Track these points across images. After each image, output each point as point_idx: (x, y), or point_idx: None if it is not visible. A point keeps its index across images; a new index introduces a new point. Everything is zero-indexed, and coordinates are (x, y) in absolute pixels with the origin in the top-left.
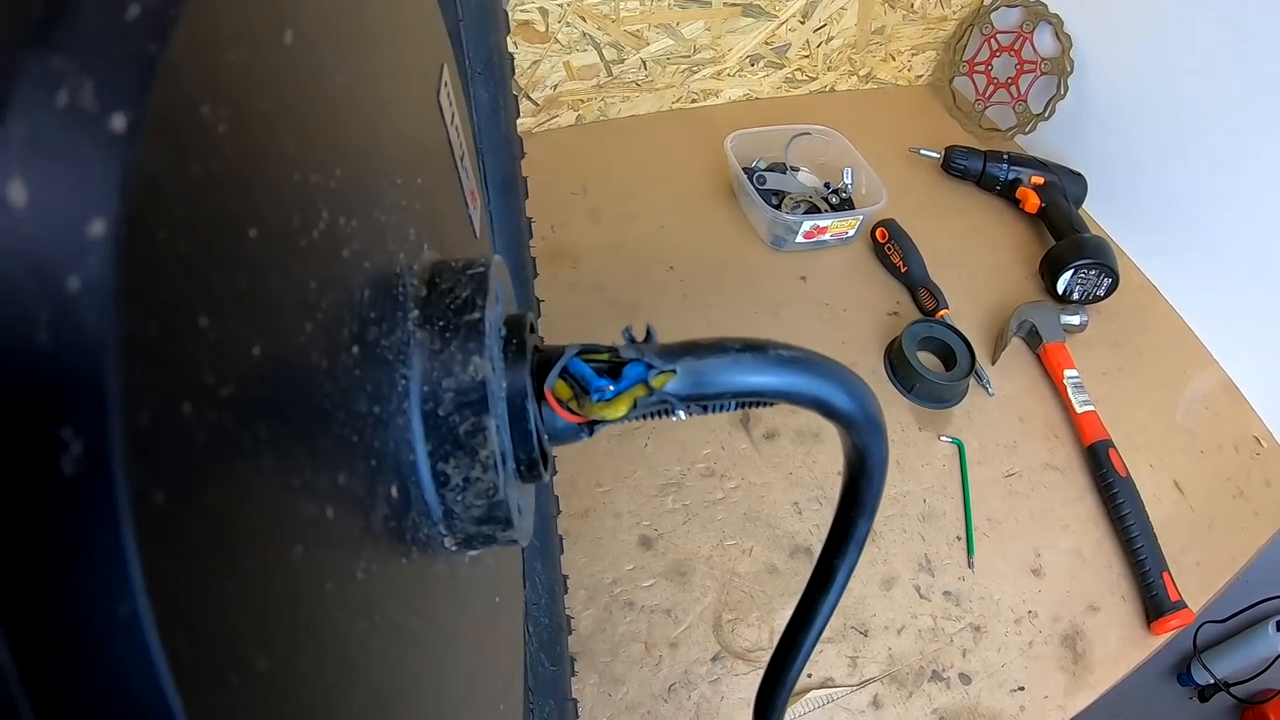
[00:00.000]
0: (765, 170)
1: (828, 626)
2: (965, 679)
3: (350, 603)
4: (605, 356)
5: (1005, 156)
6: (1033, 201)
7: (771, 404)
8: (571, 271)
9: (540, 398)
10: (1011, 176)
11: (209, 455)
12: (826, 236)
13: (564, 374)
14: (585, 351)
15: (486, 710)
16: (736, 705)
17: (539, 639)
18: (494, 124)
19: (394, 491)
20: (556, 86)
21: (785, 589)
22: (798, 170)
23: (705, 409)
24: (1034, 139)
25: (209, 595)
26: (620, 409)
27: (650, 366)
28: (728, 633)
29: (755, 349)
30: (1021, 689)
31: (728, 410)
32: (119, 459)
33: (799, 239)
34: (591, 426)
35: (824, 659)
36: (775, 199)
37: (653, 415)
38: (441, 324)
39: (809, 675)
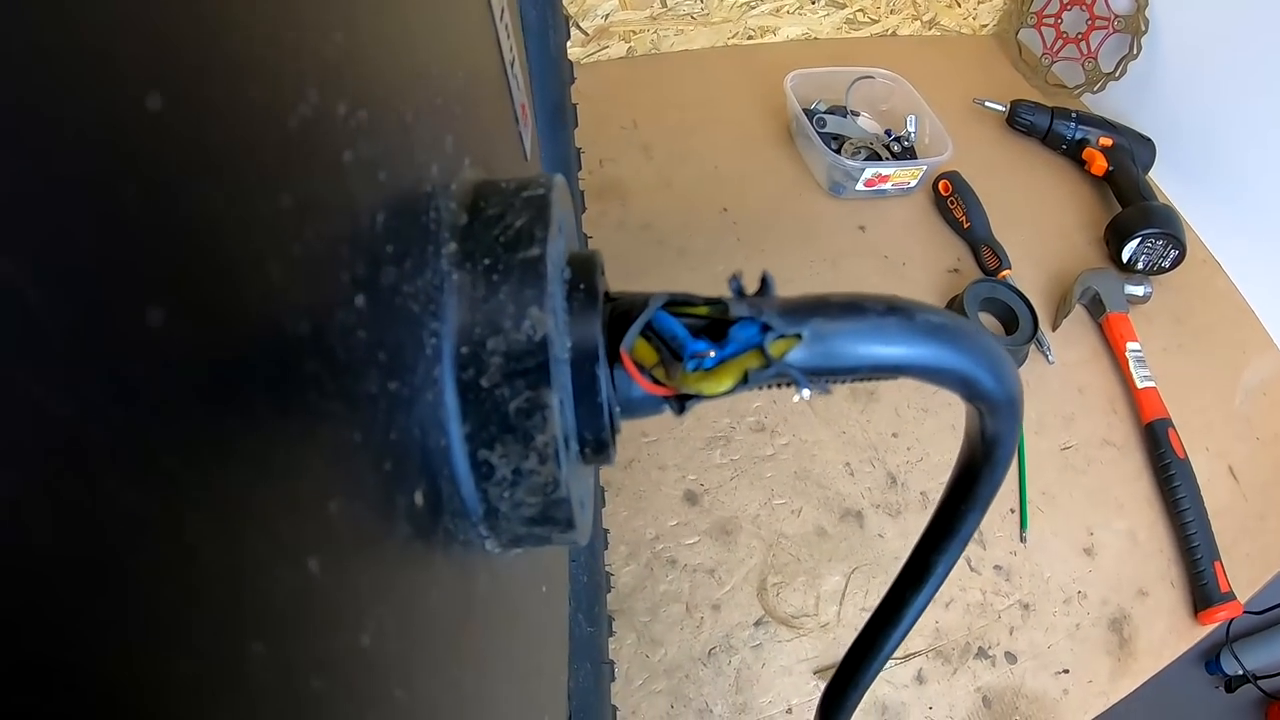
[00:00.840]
0: (825, 113)
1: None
2: (1011, 658)
3: (355, 691)
4: (704, 310)
5: (1073, 115)
6: (1100, 164)
7: (906, 378)
8: (620, 209)
9: (614, 361)
10: (1079, 136)
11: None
12: (887, 186)
13: (647, 332)
14: (675, 303)
15: (526, 709)
16: (778, 673)
17: (577, 599)
18: (543, 46)
19: (419, 499)
20: (608, 16)
21: (834, 553)
22: (859, 115)
23: (830, 384)
24: (1102, 99)
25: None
26: (725, 381)
27: (767, 328)
28: (772, 596)
29: (901, 312)
30: (1066, 672)
31: (844, 382)
32: None
33: (859, 186)
34: (683, 402)
35: None
36: (835, 144)
37: (760, 389)
38: (487, 262)
39: None
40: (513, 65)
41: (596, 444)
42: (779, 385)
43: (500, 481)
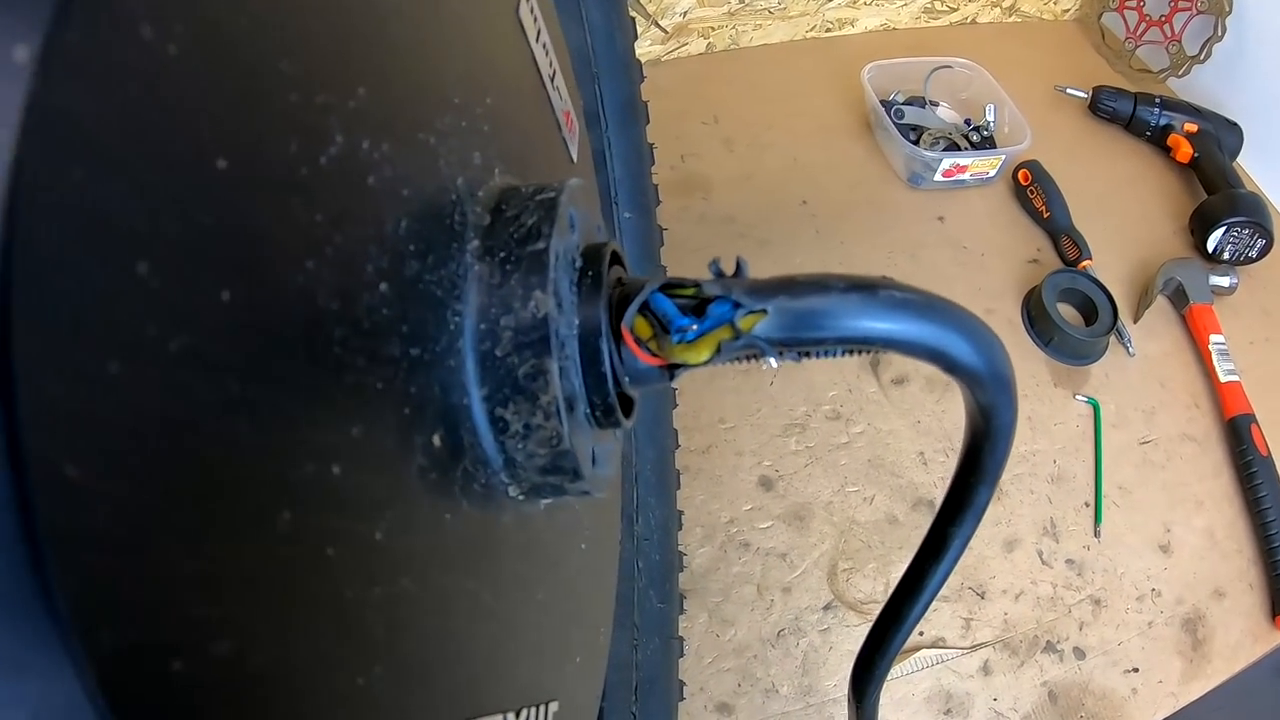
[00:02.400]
0: (903, 104)
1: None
2: (1080, 653)
3: (364, 569)
4: (691, 292)
5: (1157, 100)
6: (1185, 150)
7: (883, 352)
8: (702, 203)
9: (618, 336)
10: (1163, 122)
11: (147, 420)
12: (966, 176)
13: (645, 310)
14: (670, 286)
15: (556, 664)
16: (845, 657)
17: (649, 575)
18: (610, 46)
19: (436, 440)
20: (686, 13)
21: (905, 541)
22: (937, 105)
23: (803, 355)
24: (1187, 83)
25: (134, 577)
26: (703, 353)
27: (738, 305)
28: (842, 582)
29: (863, 288)
30: (1136, 670)
31: (832, 356)
32: (23, 427)
33: (937, 177)
34: (671, 370)
35: (937, 618)
36: (913, 134)
37: (740, 360)
38: (502, 255)
39: (920, 633)
40: (553, 79)
41: (604, 408)
42: (754, 356)
43: (514, 435)
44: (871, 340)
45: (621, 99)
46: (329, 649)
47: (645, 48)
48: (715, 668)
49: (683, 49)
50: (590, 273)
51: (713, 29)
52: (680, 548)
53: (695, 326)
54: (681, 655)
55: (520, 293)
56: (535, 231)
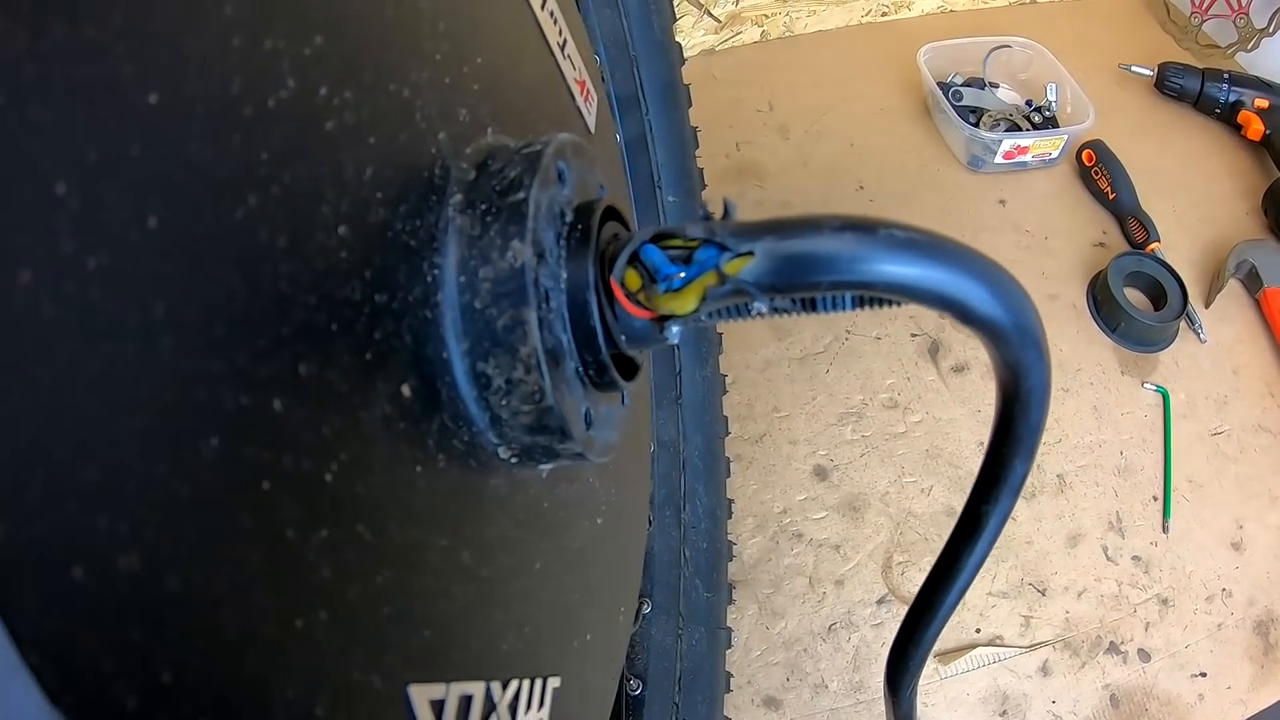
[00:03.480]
0: (962, 86)
1: (1004, 579)
2: (1144, 655)
3: (308, 509)
4: (682, 242)
5: (1226, 76)
6: (1256, 128)
7: (894, 303)
8: (757, 190)
9: (609, 292)
10: (1233, 98)
11: (59, 336)
12: (1028, 157)
13: (635, 262)
14: (661, 237)
15: (558, 639)
16: None
17: (695, 564)
18: (647, 29)
19: (406, 391)
20: (739, 2)
21: None
22: (997, 86)
23: (802, 305)
24: (1257, 57)
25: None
26: (689, 301)
27: (723, 248)
28: (897, 575)
29: (859, 228)
30: (1203, 675)
31: (841, 309)
32: None
33: (998, 159)
34: (662, 323)
35: (995, 614)
36: (972, 116)
37: (737, 313)
38: (484, 208)
39: (977, 630)
40: (564, 47)
41: (597, 366)
42: (744, 304)
43: (497, 391)
44: (872, 284)
45: (661, 82)
46: (261, 585)
47: (699, 37)
48: (764, 660)
49: (736, 38)
50: (580, 227)
51: (766, 16)
52: (731, 537)
53: (682, 274)
54: (729, 646)
55: (499, 243)
56: (517, 183)
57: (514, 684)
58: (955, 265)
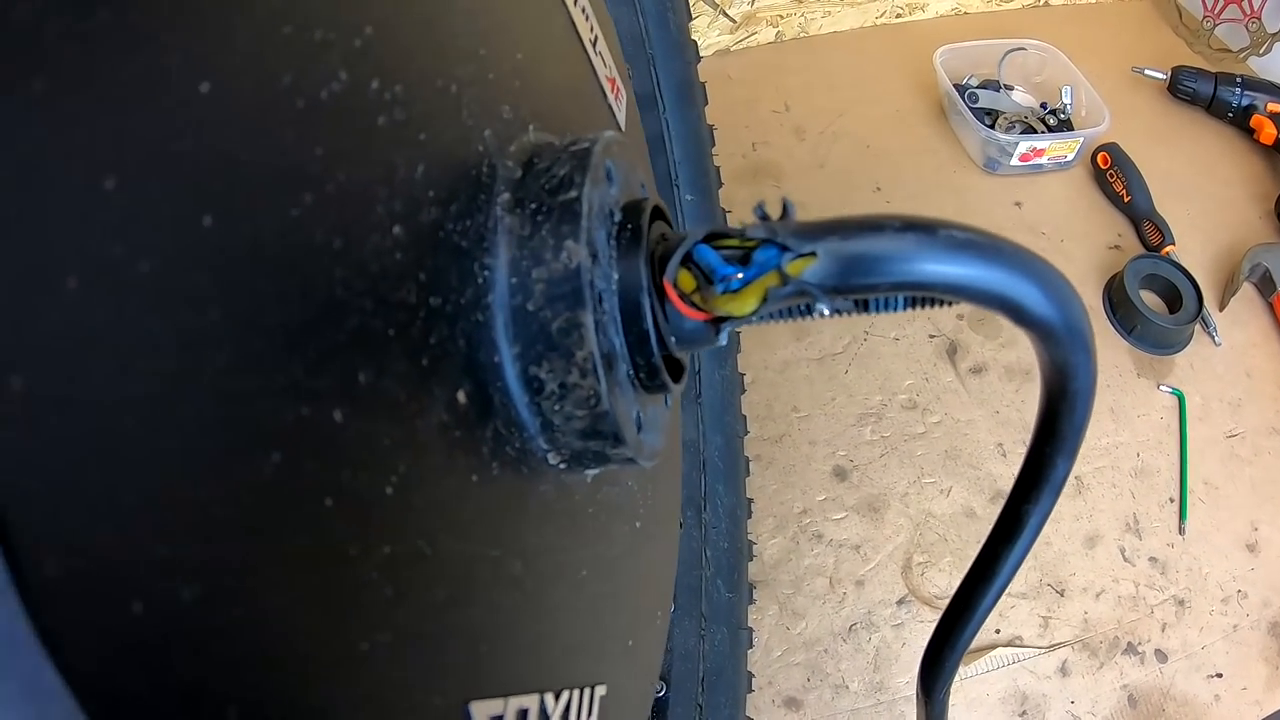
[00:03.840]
0: (977, 88)
1: (1023, 580)
2: (1161, 656)
3: (370, 525)
4: (737, 242)
5: (1238, 80)
6: (1269, 132)
7: (948, 303)
8: (774, 190)
9: (660, 293)
10: (1245, 102)
11: (106, 346)
12: (1043, 160)
13: (688, 263)
14: (715, 236)
15: (604, 646)
16: (918, 654)
17: (716, 564)
18: (663, 27)
19: (461, 397)
20: (754, 2)
21: (982, 535)
22: (1011, 89)
23: (858, 306)
24: (1269, 61)
25: (89, 512)
26: (749, 302)
27: (784, 249)
28: (917, 576)
29: (921, 229)
30: (1219, 676)
31: (894, 309)
32: None
33: (1014, 161)
34: (718, 325)
35: (1015, 615)
36: (988, 118)
37: (793, 314)
38: (534, 207)
39: (996, 631)
40: (595, 44)
41: (648, 369)
42: (804, 306)
43: (550, 395)
44: (932, 285)
45: (678, 80)
46: (325, 608)
47: (714, 37)
48: (784, 661)
49: (752, 38)
50: (630, 226)
51: (781, 17)
52: (751, 538)
53: (740, 275)
54: (750, 646)
55: (551, 243)
56: (568, 181)
57: (565, 694)
58: (1013, 266)
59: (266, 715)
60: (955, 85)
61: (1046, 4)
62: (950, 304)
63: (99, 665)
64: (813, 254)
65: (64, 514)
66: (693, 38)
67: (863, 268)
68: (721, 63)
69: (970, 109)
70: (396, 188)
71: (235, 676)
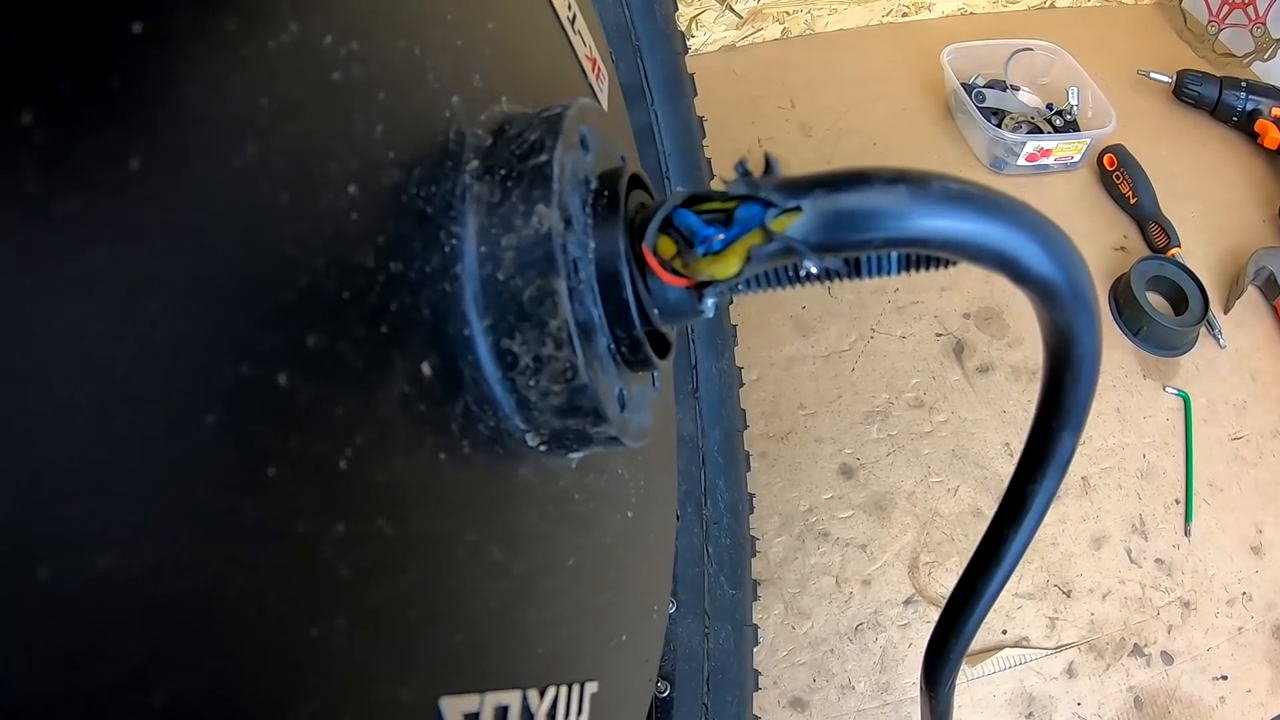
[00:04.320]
0: (984, 87)
1: (1030, 581)
2: (1167, 658)
3: (322, 499)
4: (718, 204)
5: (1243, 84)
6: (1273, 136)
7: (945, 265)
8: None
9: (640, 262)
10: (1250, 107)
11: (19, 285)
12: (1050, 160)
13: (667, 228)
14: (696, 200)
15: (594, 641)
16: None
17: (719, 560)
18: (649, 19)
19: (426, 369)
20: None
21: None
22: (1018, 89)
23: (850, 267)
24: (1273, 66)
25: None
26: (732, 263)
27: (768, 205)
28: (924, 576)
29: (913, 180)
30: (1224, 678)
31: (887, 272)
32: None
33: (1021, 161)
34: (701, 291)
35: (1022, 615)
36: (994, 118)
37: (782, 279)
38: (504, 173)
39: (1003, 632)
40: (573, 21)
41: (631, 342)
42: (792, 268)
43: (524, 370)
44: (926, 241)
45: (665, 72)
46: (270, 586)
47: (720, 33)
48: (790, 661)
49: (758, 34)
50: (606, 193)
51: (788, 14)
52: (756, 535)
53: (722, 235)
54: (756, 644)
55: (522, 209)
56: (539, 145)
57: (551, 691)
58: (1011, 220)
59: (205, 703)
60: (962, 84)
61: (1052, 6)
62: (947, 266)
63: (21, 641)
64: (798, 208)
65: None
66: (679, 29)
67: (852, 222)
68: (727, 58)
69: (978, 108)
70: (353, 146)
71: (167, 658)
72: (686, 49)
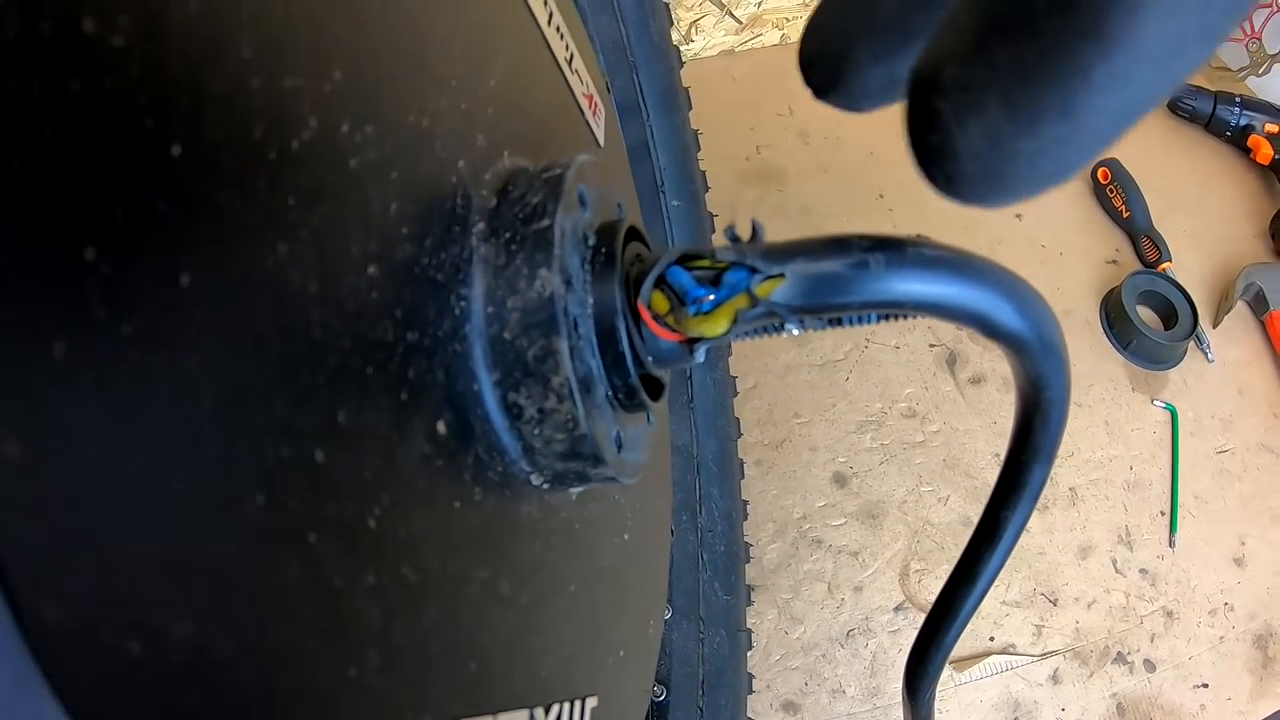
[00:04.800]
0: None
1: (1017, 589)
2: (1150, 666)
3: (355, 556)
4: (709, 263)
5: (1237, 100)
6: (1265, 152)
7: (919, 316)
8: (777, 194)
9: (635, 315)
10: (1243, 122)
11: (98, 407)
12: None
13: (661, 284)
14: (688, 258)
15: (595, 658)
16: None
17: (713, 567)
18: (644, 34)
19: (441, 427)
20: (761, 4)
21: None
22: None
23: (831, 322)
24: (1267, 82)
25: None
26: (720, 324)
27: (753, 271)
28: (914, 583)
29: (889, 248)
30: (1205, 686)
31: (866, 323)
32: None
33: None
34: (692, 345)
35: (1009, 623)
36: None
37: (766, 331)
38: (508, 236)
39: (990, 639)
40: (570, 61)
41: (626, 390)
42: (776, 325)
43: (529, 420)
44: (902, 304)
45: (661, 87)
46: (312, 636)
47: (719, 38)
48: (782, 665)
49: (757, 40)
50: (604, 250)
51: (787, 19)
52: (750, 542)
53: (711, 297)
54: (750, 648)
55: (525, 272)
56: (540, 209)
57: (555, 708)
58: (982, 283)
59: None
60: None
61: None
62: (920, 316)
63: (100, 705)
64: (781, 275)
65: (61, 560)
66: (675, 44)
67: (831, 288)
68: (726, 63)
69: None
70: (370, 228)
71: (229, 709)
72: (681, 63)
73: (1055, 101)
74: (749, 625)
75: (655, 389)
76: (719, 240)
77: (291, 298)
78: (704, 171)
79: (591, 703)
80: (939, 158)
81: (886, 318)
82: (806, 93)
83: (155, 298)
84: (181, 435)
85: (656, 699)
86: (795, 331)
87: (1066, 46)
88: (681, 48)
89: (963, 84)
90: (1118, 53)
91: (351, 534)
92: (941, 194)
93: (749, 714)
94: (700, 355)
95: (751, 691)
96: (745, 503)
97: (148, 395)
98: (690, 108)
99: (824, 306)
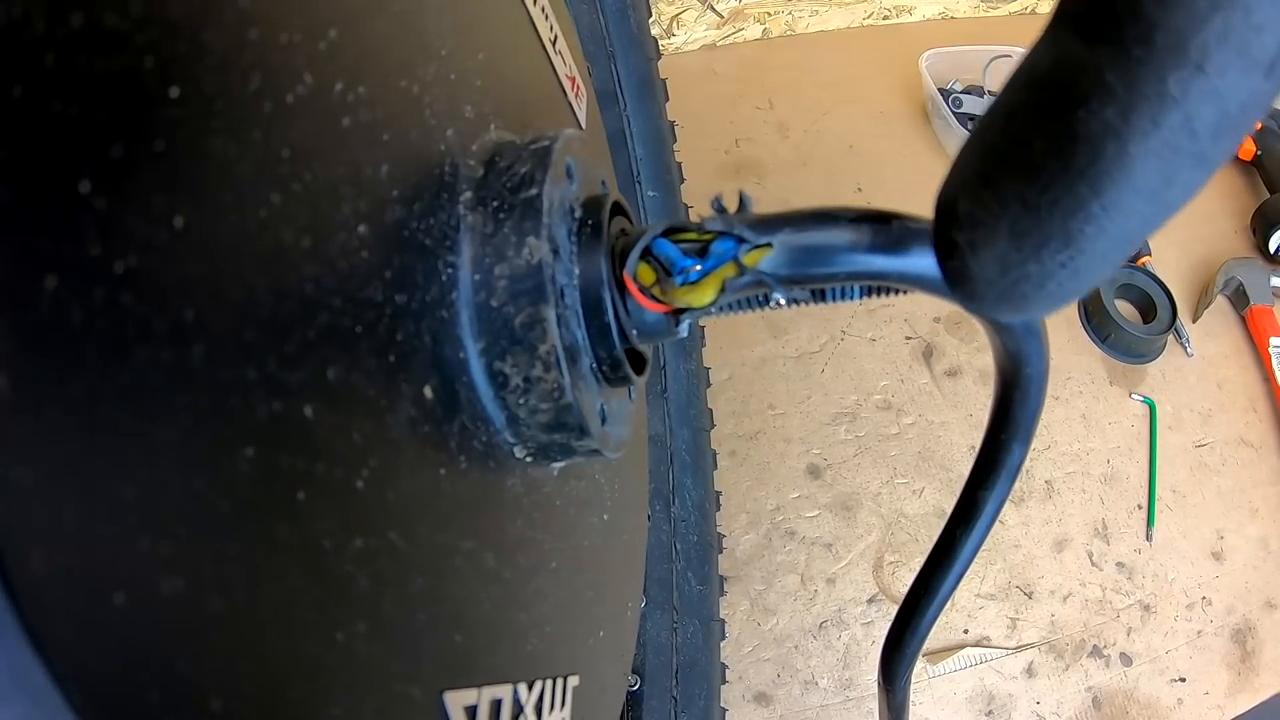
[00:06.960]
0: (961, 93)
1: (991, 582)
2: (1126, 660)
3: (343, 518)
4: (695, 235)
5: None
6: (1247, 148)
7: (902, 290)
8: (756, 187)
9: (621, 287)
10: None
11: (88, 345)
12: None
13: (647, 256)
14: (674, 230)
15: (576, 637)
16: None
17: (686, 557)
18: (623, 24)
19: (428, 392)
20: None
21: None
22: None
23: (814, 295)
24: None
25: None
26: (707, 293)
27: (741, 240)
28: (888, 575)
29: (875, 220)
30: (1182, 680)
31: (850, 297)
32: None
33: None
34: (678, 316)
35: (984, 616)
36: (971, 124)
37: (751, 304)
38: (495, 204)
39: (965, 631)
40: (555, 43)
41: (611, 361)
42: (762, 296)
43: (515, 390)
44: (885, 276)
45: (638, 77)
46: (302, 598)
47: (701, 32)
48: (755, 656)
49: (738, 34)
50: (590, 222)
51: (769, 14)
52: (724, 533)
53: (698, 267)
54: (724, 638)
55: (514, 240)
56: (529, 178)
57: (538, 685)
58: None
59: (250, 708)
60: (940, 89)
61: (1034, 12)
62: (906, 292)
63: (83, 657)
64: (768, 245)
65: (46, 511)
66: (652, 34)
67: (817, 258)
68: (707, 57)
69: (954, 114)
70: (362, 187)
71: (215, 667)
72: (659, 54)
73: (1057, 231)
74: (722, 616)
75: (639, 363)
76: (706, 213)
77: (284, 250)
78: (680, 163)
79: (573, 681)
80: (959, 280)
81: (871, 291)
82: (787, 86)
83: (149, 238)
84: (171, 382)
85: (632, 688)
86: (781, 301)
87: (1063, 184)
88: (663, 42)
89: (974, 219)
90: (1110, 189)
91: (340, 495)
92: (968, 311)
93: (721, 705)
94: (684, 329)
95: (725, 681)
96: (719, 493)
97: (137, 338)
98: (667, 99)
99: (810, 277)
